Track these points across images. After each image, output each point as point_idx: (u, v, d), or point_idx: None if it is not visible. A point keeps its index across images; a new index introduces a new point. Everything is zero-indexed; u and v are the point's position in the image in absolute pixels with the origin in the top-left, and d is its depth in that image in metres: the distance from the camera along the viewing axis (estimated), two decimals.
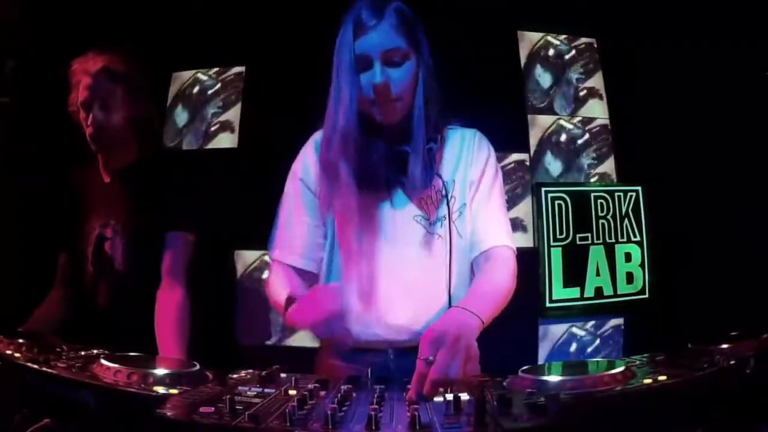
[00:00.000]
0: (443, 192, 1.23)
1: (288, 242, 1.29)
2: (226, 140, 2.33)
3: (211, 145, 2.34)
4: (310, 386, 0.89)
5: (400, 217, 1.25)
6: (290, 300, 1.11)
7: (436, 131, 1.24)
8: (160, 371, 0.97)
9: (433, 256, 1.25)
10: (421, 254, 1.24)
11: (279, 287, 1.23)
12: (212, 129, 2.35)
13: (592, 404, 0.85)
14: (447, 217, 1.23)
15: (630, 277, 2.27)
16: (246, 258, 2.27)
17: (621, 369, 0.95)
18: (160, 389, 0.91)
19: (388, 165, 1.21)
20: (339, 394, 0.84)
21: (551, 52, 2.36)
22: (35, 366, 0.98)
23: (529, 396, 0.87)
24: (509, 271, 1.20)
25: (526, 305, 2.19)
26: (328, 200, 1.24)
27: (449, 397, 0.83)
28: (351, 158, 1.19)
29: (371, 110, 1.20)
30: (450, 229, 1.23)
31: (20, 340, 1.13)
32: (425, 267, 1.25)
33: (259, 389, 0.91)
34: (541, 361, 2.21)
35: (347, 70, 1.16)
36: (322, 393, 0.91)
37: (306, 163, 1.31)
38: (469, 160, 1.28)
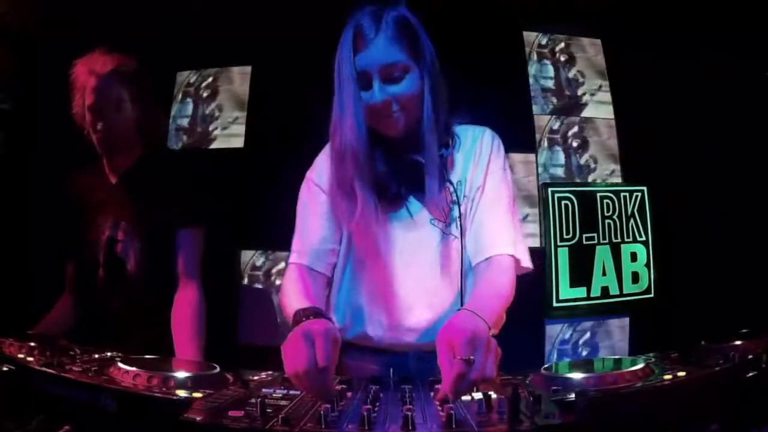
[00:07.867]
0: (454, 195, 1.21)
1: (302, 244, 1.27)
2: (232, 139, 2.32)
3: (216, 144, 2.33)
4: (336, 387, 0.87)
5: (417, 223, 1.24)
6: (296, 319, 0.98)
7: (447, 134, 1.22)
8: (181, 374, 0.95)
9: (450, 257, 1.24)
10: (439, 256, 1.24)
11: (290, 291, 1.19)
12: (217, 128, 2.34)
13: (617, 400, 0.85)
14: (459, 217, 1.22)
15: (636, 277, 2.27)
16: (249, 257, 2.26)
17: (641, 366, 0.96)
18: (182, 393, 0.88)
19: (401, 175, 1.20)
20: (369, 395, 0.82)
21: (557, 52, 2.36)
22: (50, 370, 0.95)
23: (555, 393, 0.87)
24: (508, 279, 1.17)
25: (533, 305, 2.18)
26: (346, 217, 1.21)
27: (478, 395, 0.82)
28: (365, 174, 1.17)
29: (376, 124, 1.17)
30: (462, 229, 1.22)
31: (31, 344, 1.10)
32: (443, 269, 1.24)
33: (284, 391, 0.89)
34: (547, 361, 2.21)
35: (349, 85, 1.13)
36: (349, 394, 0.89)
37: (321, 168, 1.28)
38: (476, 161, 1.25)
